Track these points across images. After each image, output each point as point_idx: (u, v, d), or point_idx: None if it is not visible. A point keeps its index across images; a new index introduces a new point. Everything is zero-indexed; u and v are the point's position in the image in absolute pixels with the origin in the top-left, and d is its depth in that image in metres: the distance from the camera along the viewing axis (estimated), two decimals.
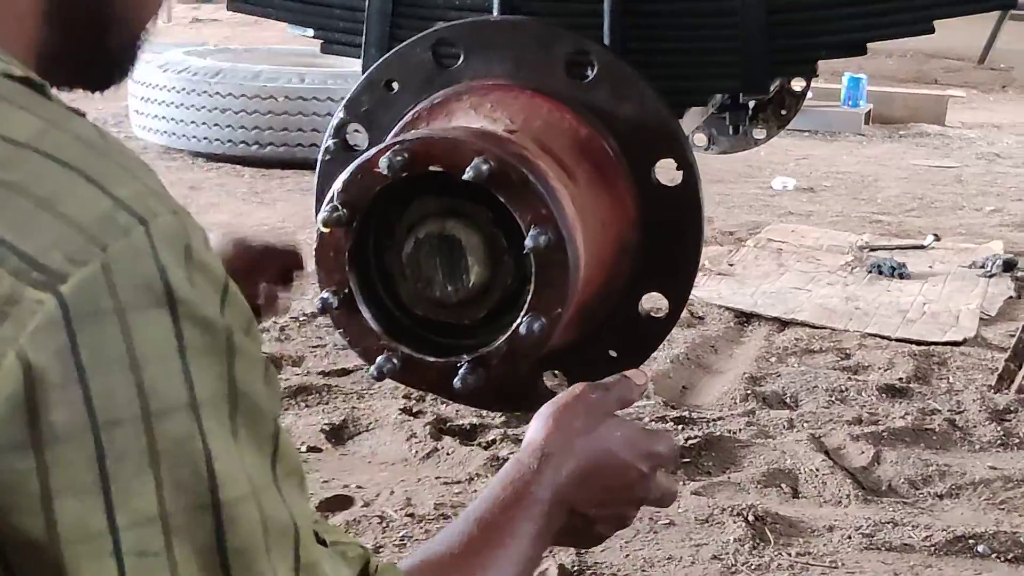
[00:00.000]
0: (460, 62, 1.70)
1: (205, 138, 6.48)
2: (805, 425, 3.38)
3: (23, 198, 0.63)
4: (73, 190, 0.64)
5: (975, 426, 3.40)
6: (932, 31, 1.82)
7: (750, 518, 2.76)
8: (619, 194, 1.65)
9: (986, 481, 3.04)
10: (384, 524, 2.71)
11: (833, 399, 3.59)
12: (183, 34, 11.39)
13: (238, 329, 0.68)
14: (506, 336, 1.45)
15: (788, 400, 3.61)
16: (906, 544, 2.71)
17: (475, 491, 2.86)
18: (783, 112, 3.29)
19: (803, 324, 4.27)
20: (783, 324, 4.29)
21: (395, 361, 1.50)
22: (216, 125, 6.42)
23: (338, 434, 3.22)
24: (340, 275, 1.49)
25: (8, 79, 0.68)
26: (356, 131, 1.77)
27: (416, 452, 3.11)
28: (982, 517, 2.89)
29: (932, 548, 2.70)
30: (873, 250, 5.28)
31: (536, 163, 1.48)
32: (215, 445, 0.66)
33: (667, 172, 1.67)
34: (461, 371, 1.47)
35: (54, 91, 0.72)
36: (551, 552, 2.47)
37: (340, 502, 2.83)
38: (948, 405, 3.56)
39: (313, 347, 3.84)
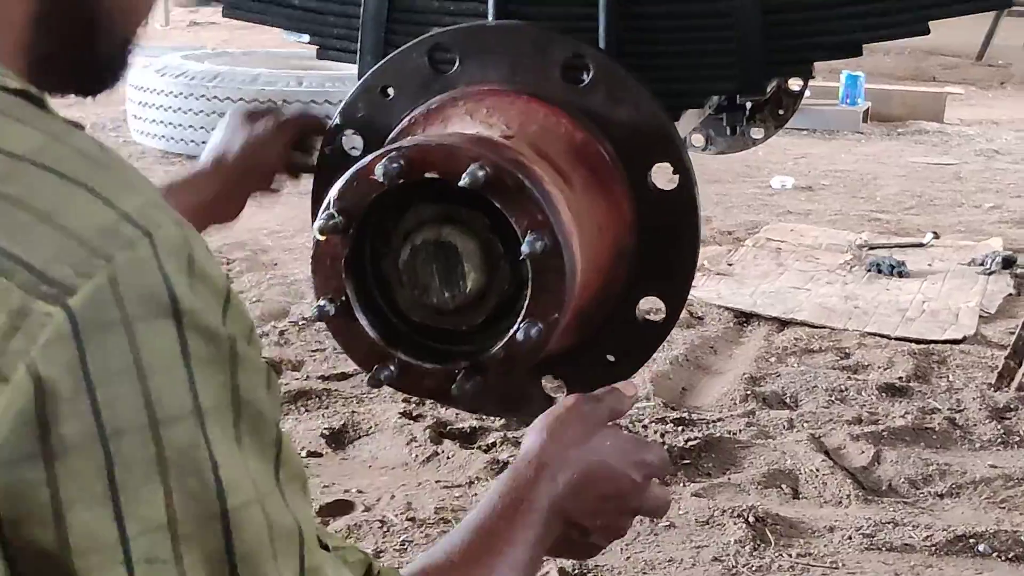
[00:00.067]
0: (456, 67, 1.70)
1: (203, 142, 6.44)
2: (805, 425, 3.38)
3: (22, 211, 0.63)
4: (74, 203, 0.65)
5: (975, 424, 3.40)
6: (927, 32, 1.81)
7: (750, 519, 2.76)
8: (615, 198, 1.65)
9: (987, 480, 3.05)
10: (385, 528, 2.71)
11: (833, 399, 3.59)
12: (181, 37, 11.39)
13: (240, 338, 0.69)
14: (504, 342, 1.45)
15: (788, 400, 3.61)
16: (907, 544, 2.72)
17: (475, 495, 2.86)
18: (781, 112, 3.28)
19: (802, 324, 4.28)
20: (782, 324, 4.29)
21: (392, 368, 1.50)
22: (214, 129, 6.41)
23: (338, 438, 3.22)
24: (337, 282, 1.49)
25: (4, 92, 0.69)
26: (353, 140, 1.77)
27: (416, 456, 3.11)
28: (983, 516, 2.89)
29: (933, 548, 2.70)
30: (872, 248, 5.27)
31: (532, 169, 1.48)
32: (220, 452, 0.67)
33: (663, 176, 1.67)
34: (459, 377, 1.48)
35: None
36: None
37: (341, 507, 2.84)
38: (948, 404, 3.56)
39: (312, 351, 3.84)
